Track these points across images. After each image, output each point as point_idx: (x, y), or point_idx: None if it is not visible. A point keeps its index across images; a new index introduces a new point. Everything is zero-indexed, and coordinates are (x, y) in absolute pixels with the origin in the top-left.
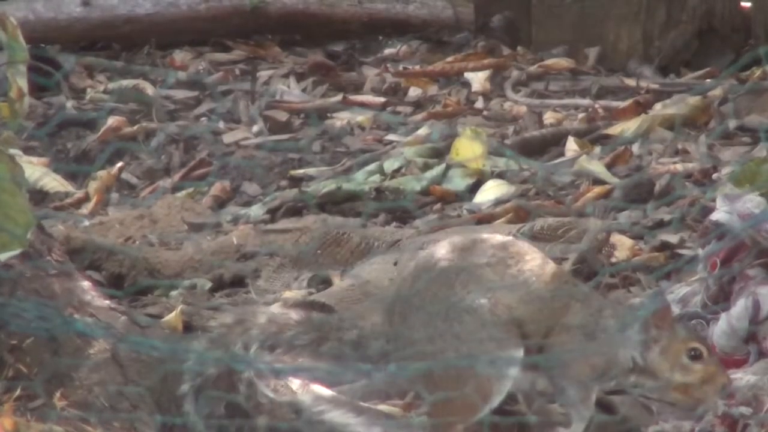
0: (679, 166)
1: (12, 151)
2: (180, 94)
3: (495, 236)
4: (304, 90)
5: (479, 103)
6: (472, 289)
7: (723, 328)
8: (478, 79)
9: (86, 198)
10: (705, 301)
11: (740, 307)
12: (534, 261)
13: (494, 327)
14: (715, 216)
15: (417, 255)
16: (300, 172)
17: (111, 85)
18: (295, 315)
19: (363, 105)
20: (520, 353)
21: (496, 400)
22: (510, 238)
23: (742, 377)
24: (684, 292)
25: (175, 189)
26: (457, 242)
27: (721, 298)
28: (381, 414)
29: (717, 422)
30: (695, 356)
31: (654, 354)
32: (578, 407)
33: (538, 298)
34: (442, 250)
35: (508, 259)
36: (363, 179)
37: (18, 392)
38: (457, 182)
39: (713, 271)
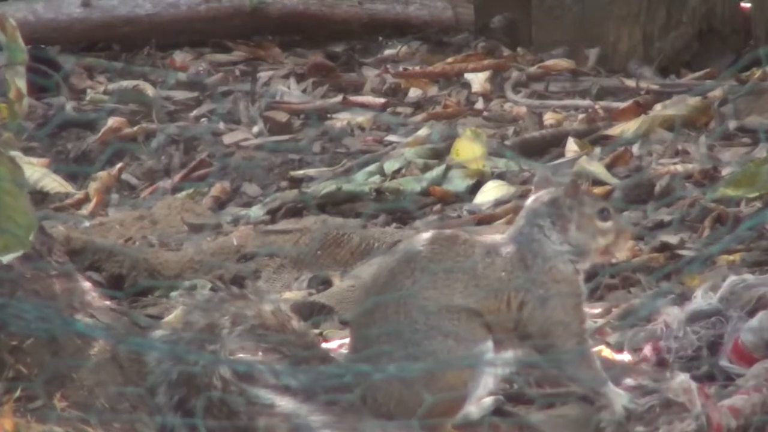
0: (679, 167)
1: (12, 152)
2: (180, 95)
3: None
4: (304, 91)
5: (479, 104)
6: (421, 286)
7: (753, 324)
8: (478, 80)
9: (86, 199)
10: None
11: None
12: (465, 245)
13: (455, 323)
14: None
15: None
16: (300, 173)
17: (111, 86)
18: (295, 323)
19: (363, 106)
20: (488, 344)
21: (477, 393)
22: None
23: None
24: (749, 281)
25: (176, 190)
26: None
27: None
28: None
29: None
30: (605, 216)
31: (572, 231)
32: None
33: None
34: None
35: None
36: (363, 180)
37: (18, 393)
38: (458, 183)
39: None
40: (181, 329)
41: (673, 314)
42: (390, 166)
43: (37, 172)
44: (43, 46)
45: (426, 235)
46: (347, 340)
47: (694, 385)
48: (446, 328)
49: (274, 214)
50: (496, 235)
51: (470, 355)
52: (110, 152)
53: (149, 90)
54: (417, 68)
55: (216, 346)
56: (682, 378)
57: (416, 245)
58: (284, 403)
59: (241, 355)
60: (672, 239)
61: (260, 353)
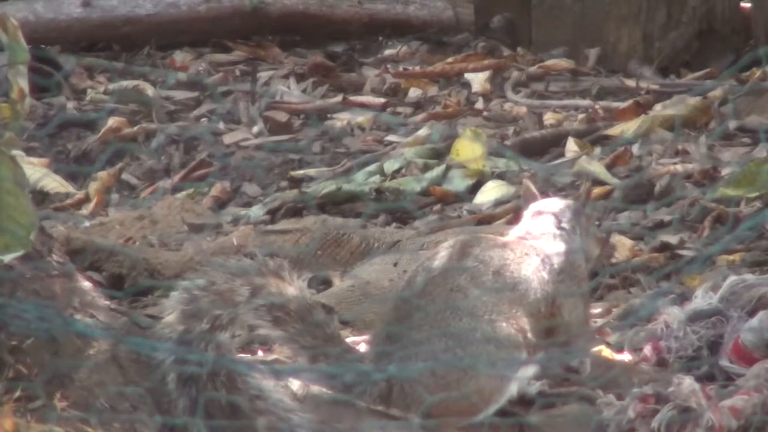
0: (679, 167)
1: (14, 152)
2: (180, 94)
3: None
4: (304, 91)
5: (479, 104)
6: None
7: (753, 324)
8: (478, 80)
9: (86, 199)
10: None
11: None
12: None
13: (498, 327)
14: None
15: (421, 261)
16: (300, 172)
17: (111, 86)
18: (320, 314)
19: (363, 106)
20: (523, 355)
21: (496, 406)
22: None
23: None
24: (749, 281)
25: (176, 190)
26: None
27: None
28: (379, 414)
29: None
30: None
31: (585, 239)
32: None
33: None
34: (443, 254)
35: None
36: (363, 180)
37: (18, 393)
38: (457, 183)
39: None
40: (198, 295)
41: (673, 314)
42: (390, 166)
43: (37, 172)
44: (43, 46)
45: (474, 237)
46: (348, 340)
47: (697, 386)
48: (488, 332)
49: (274, 214)
50: (511, 236)
51: (504, 361)
52: (110, 152)
53: (149, 90)
54: (417, 68)
55: (228, 312)
56: (688, 382)
57: (468, 246)
58: (284, 402)
59: (256, 328)
60: (672, 239)
61: (275, 336)
